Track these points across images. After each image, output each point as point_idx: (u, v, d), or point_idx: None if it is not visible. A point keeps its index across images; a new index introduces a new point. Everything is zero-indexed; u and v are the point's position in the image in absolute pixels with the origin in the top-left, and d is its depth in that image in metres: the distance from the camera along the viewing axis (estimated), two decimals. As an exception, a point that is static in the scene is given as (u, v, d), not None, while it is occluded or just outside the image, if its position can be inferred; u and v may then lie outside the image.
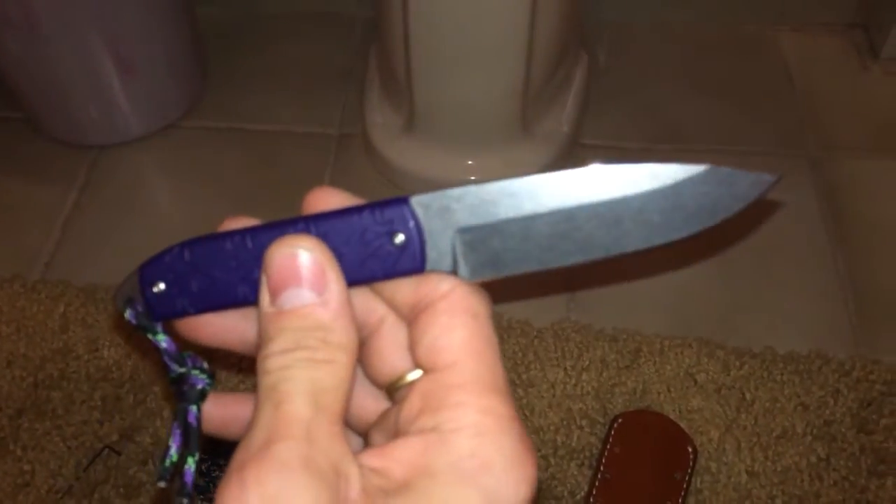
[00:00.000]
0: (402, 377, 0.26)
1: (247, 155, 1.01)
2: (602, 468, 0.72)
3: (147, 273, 0.26)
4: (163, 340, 0.28)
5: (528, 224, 0.25)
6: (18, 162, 1.01)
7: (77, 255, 0.91)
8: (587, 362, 0.79)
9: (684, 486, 0.71)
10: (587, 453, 0.74)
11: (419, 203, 0.25)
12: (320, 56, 1.13)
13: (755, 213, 0.94)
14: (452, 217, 0.25)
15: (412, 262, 0.25)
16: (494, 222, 0.25)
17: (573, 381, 0.78)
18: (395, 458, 0.22)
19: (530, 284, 0.87)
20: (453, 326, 0.24)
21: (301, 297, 0.23)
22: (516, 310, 0.84)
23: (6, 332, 0.82)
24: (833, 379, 0.77)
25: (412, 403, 0.24)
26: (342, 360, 0.23)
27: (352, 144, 1.02)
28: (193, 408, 0.28)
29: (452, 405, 0.23)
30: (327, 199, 0.27)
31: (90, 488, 0.72)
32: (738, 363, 0.78)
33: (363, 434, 0.28)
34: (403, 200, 0.25)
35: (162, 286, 0.26)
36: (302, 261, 0.23)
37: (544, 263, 0.26)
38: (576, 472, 0.73)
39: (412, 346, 0.25)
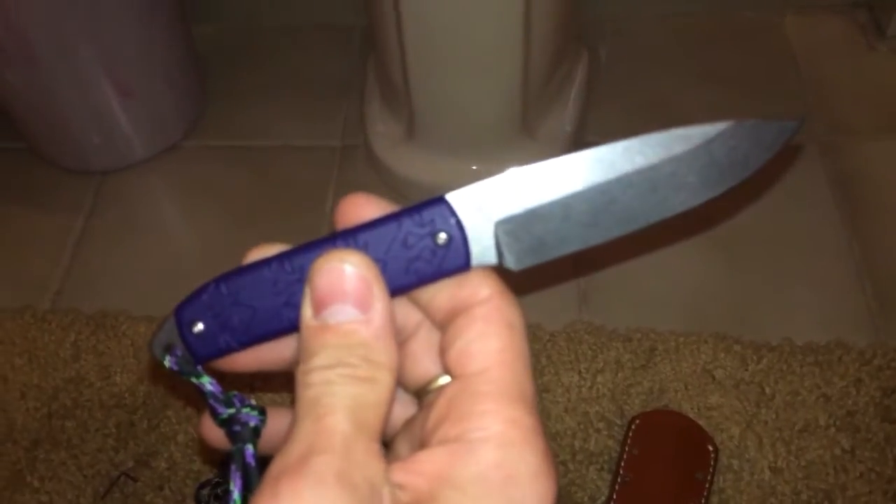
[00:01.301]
0: (432, 381, 0.26)
1: (250, 171, 1.01)
2: (622, 471, 0.70)
3: (184, 314, 0.26)
4: (208, 383, 0.27)
5: (567, 205, 0.25)
6: (23, 192, 1.02)
7: (86, 283, 0.92)
8: (601, 364, 0.78)
9: (706, 485, 0.69)
10: (606, 457, 0.73)
11: (456, 199, 0.25)
12: (319, 68, 1.12)
13: (767, 201, 0.92)
14: (491, 209, 0.25)
15: (457, 260, 0.25)
16: (533, 208, 0.25)
17: (588, 384, 0.77)
18: (420, 472, 0.22)
19: (540, 286, 0.86)
20: (488, 334, 0.24)
21: (346, 313, 0.23)
22: (527, 313, 0.82)
23: (19, 363, 0.82)
24: (854, 368, 0.76)
25: (439, 409, 0.24)
26: (383, 378, 0.23)
27: (355, 156, 1.01)
28: (249, 447, 0.28)
29: (479, 413, 0.23)
30: (361, 206, 0.26)
31: (108, 517, 0.72)
32: (755, 357, 0.77)
33: (387, 442, 0.28)
34: (441, 199, 0.25)
35: (201, 326, 0.26)
36: (348, 276, 0.23)
37: (587, 241, 0.26)
38: (595, 477, 0.72)
39: (443, 350, 0.25)
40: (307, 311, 0.23)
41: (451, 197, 0.25)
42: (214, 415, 0.27)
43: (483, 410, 0.23)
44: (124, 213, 0.98)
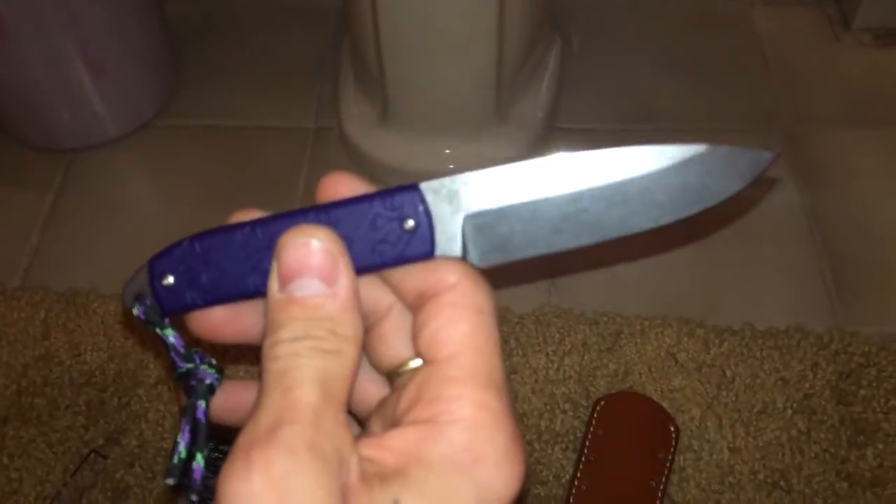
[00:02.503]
0: (403, 364, 0.26)
1: (223, 152, 1.01)
2: (586, 451, 0.72)
3: (157, 266, 0.27)
4: (171, 335, 0.28)
5: (536, 208, 0.26)
6: (-8, 169, 1.01)
7: (56, 261, 0.91)
8: (569, 346, 0.79)
9: (667, 464, 0.71)
10: (571, 437, 0.75)
11: (429, 188, 0.25)
12: (294, 49, 1.12)
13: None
14: (461, 202, 0.26)
15: (422, 247, 0.25)
16: (502, 207, 0.26)
17: (555, 366, 0.78)
18: (389, 448, 0.22)
19: (510, 271, 0.87)
20: (457, 319, 0.24)
21: (311, 286, 0.23)
22: (497, 297, 0.84)
23: (-13, 340, 0.82)
24: (812, 352, 0.78)
25: (410, 392, 0.24)
26: (349, 351, 0.23)
27: (328, 138, 1.02)
28: (202, 403, 0.28)
29: (449, 398, 0.23)
30: (341, 184, 0.27)
31: (78, 493, 0.73)
32: (717, 341, 0.79)
33: (363, 420, 0.28)
34: (413, 187, 0.25)
35: (171, 279, 0.27)
36: (315, 251, 0.24)
37: (552, 247, 0.26)
38: (560, 456, 0.74)
39: (415, 335, 0.25)
40: (273, 284, 0.24)
41: (424, 186, 0.25)
42: (174, 368, 0.28)
43: (453, 395, 0.23)
44: (95, 192, 0.98)
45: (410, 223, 0.25)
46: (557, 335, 0.80)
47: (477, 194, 0.26)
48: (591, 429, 0.73)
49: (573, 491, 0.70)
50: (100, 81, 0.96)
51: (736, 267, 0.88)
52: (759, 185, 0.94)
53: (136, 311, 0.27)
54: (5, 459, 0.75)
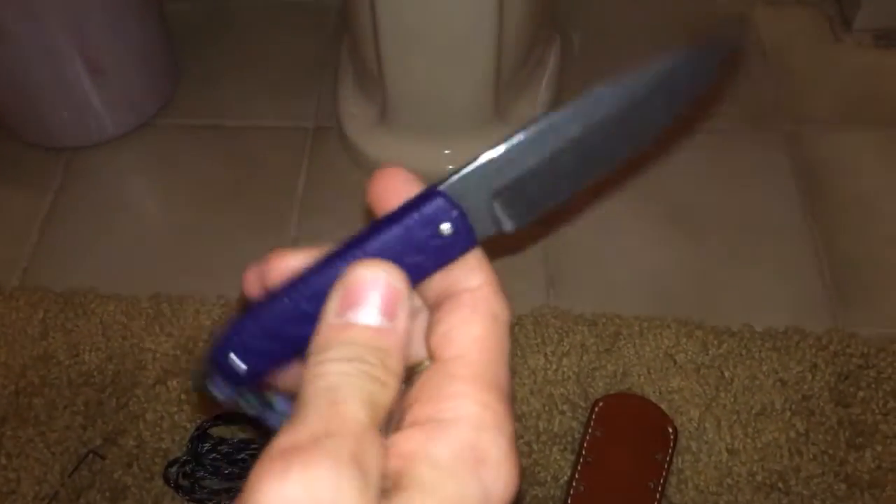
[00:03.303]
0: (420, 364, 0.26)
1: (222, 151, 1.01)
2: (584, 452, 0.72)
3: (218, 354, 0.27)
4: (255, 401, 0.28)
5: (552, 159, 0.26)
6: (-9, 168, 1.01)
7: (55, 260, 0.91)
8: (567, 347, 0.79)
9: (665, 466, 0.71)
10: (569, 438, 0.75)
11: (451, 188, 0.26)
12: (293, 48, 1.12)
13: (732, 188, 0.94)
14: (483, 185, 0.26)
15: (464, 244, 0.26)
16: (521, 174, 0.26)
17: (554, 367, 0.78)
18: (398, 454, 0.22)
19: (509, 272, 0.88)
20: (471, 321, 0.25)
21: (372, 317, 0.24)
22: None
23: (-14, 340, 0.82)
24: (810, 354, 0.78)
25: (412, 390, 0.24)
26: (393, 385, 0.23)
27: (327, 137, 1.02)
28: None
29: (452, 395, 0.23)
30: (393, 181, 0.27)
31: (76, 494, 0.73)
32: (716, 342, 0.79)
33: None
34: (437, 193, 0.25)
35: (234, 357, 0.27)
36: (383, 284, 0.24)
37: (577, 186, 0.27)
38: (558, 457, 0.74)
39: (428, 332, 0.25)
40: (332, 308, 0.24)
41: (447, 186, 0.26)
42: (269, 424, 0.28)
43: (456, 392, 0.23)
44: (94, 191, 0.98)
45: (447, 227, 0.25)
46: (556, 336, 0.80)
47: (495, 172, 0.26)
48: (590, 430, 0.73)
49: (571, 492, 0.70)
50: (99, 80, 0.96)
51: (735, 268, 0.87)
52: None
53: (215, 392, 0.27)
54: (3, 459, 0.75)
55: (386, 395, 0.23)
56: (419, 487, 0.21)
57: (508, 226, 0.27)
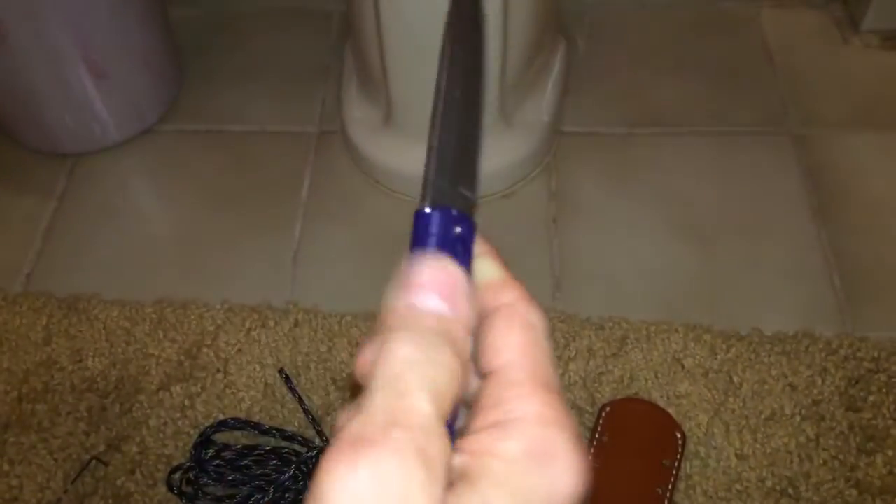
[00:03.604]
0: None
1: (226, 156, 1.00)
2: (591, 458, 0.71)
3: None
4: None
5: (469, 117, 0.28)
6: (-5, 174, 1.01)
7: (58, 266, 0.91)
8: (574, 352, 0.79)
9: (674, 472, 0.70)
10: (576, 444, 0.74)
11: (433, 194, 0.26)
12: (297, 53, 1.12)
13: (740, 191, 0.93)
14: (445, 177, 0.27)
15: (471, 233, 0.26)
16: (460, 146, 0.28)
17: (560, 371, 0.77)
18: (466, 451, 0.22)
19: (514, 276, 0.87)
20: (509, 331, 0.25)
21: (440, 307, 0.23)
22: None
23: (-11, 346, 0.82)
24: (820, 358, 0.77)
25: (474, 403, 0.24)
26: (457, 372, 0.23)
27: (332, 142, 1.01)
28: None
29: (513, 398, 0.23)
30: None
31: (79, 500, 0.72)
32: (724, 346, 0.78)
33: None
34: (427, 213, 0.26)
35: None
36: (450, 273, 0.24)
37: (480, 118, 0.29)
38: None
39: (474, 355, 0.25)
40: (393, 294, 0.24)
41: (429, 202, 0.26)
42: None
43: (517, 394, 0.23)
44: (97, 197, 0.97)
45: (457, 230, 0.26)
46: (562, 340, 0.79)
47: (445, 163, 0.27)
48: (597, 435, 0.72)
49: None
50: (102, 86, 0.96)
51: (743, 271, 0.87)
52: None
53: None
54: (6, 466, 0.74)
55: (451, 383, 0.23)
56: (490, 480, 0.21)
57: (474, 197, 0.28)
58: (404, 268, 0.24)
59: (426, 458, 0.21)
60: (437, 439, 0.21)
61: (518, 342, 0.25)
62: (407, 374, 0.22)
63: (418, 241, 0.25)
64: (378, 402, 0.22)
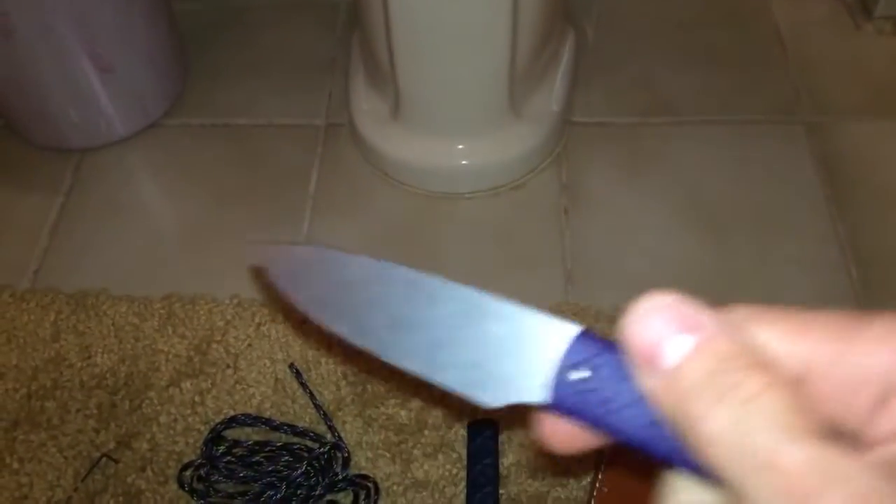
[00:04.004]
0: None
1: (233, 150, 1.00)
2: (606, 451, 0.70)
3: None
4: None
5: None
6: (1, 170, 1.00)
7: (65, 262, 0.90)
8: (587, 345, 0.78)
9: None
10: (591, 437, 0.73)
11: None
12: (303, 45, 1.11)
13: (753, 181, 0.92)
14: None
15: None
16: None
17: (574, 365, 0.76)
18: None
19: (526, 269, 0.86)
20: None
21: (681, 344, 0.20)
22: (511, 293, 0.82)
23: (-3, 343, 0.81)
24: (838, 349, 0.76)
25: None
26: (778, 384, 0.19)
27: (339, 134, 1.00)
28: None
29: None
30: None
31: (89, 498, 0.71)
32: (740, 338, 0.77)
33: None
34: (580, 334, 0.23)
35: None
36: (656, 309, 0.21)
37: None
38: (581, 458, 0.72)
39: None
40: (647, 381, 0.21)
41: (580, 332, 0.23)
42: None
43: None
44: (104, 192, 0.97)
45: (584, 373, 0.23)
46: (575, 333, 0.78)
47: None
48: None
49: (594, 493, 0.69)
50: (108, 80, 0.95)
51: (757, 262, 0.86)
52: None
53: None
54: (16, 464, 0.73)
55: (786, 393, 0.19)
56: None
57: None
58: (621, 343, 0.21)
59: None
60: (841, 467, 0.17)
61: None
62: (750, 434, 0.18)
63: None
64: (750, 491, 0.18)
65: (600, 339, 0.23)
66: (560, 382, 0.23)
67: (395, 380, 0.76)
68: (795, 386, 0.19)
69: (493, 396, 0.24)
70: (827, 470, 0.17)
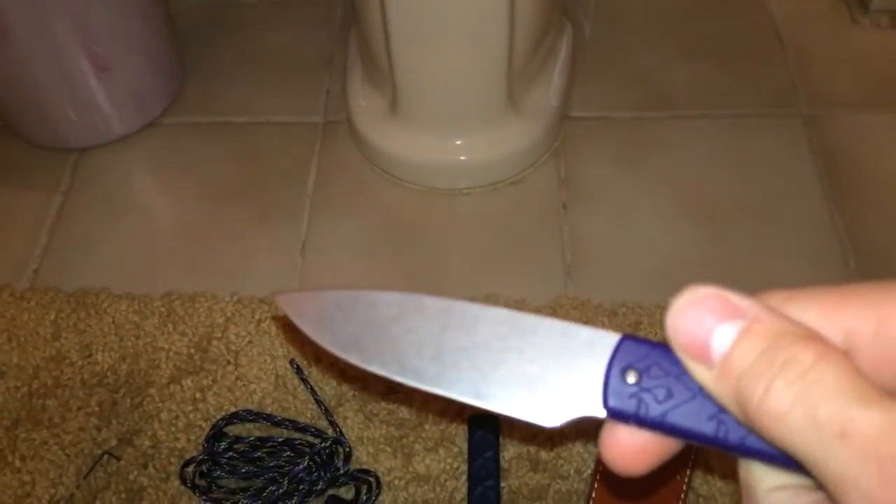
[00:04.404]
0: None
1: (231, 148, 1.00)
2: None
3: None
4: None
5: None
6: (-1, 169, 1.00)
7: (65, 261, 0.90)
8: (587, 338, 0.78)
9: (692, 457, 0.70)
10: (592, 430, 0.73)
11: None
12: (300, 42, 1.11)
13: (751, 174, 0.92)
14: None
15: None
16: None
17: (574, 358, 0.77)
18: None
19: (525, 262, 0.86)
20: None
21: (726, 334, 0.20)
22: (511, 289, 0.83)
23: (-3, 342, 0.81)
24: (837, 340, 0.76)
25: None
26: (828, 348, 0.19)
27: (337, 132, 1.00)
28: None
29: None
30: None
31: (91, 496, 0.72)
32: (739, 330, 0.77)
33: None
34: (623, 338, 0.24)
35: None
36: (698, 301, 0.21)
37: None
38: (581, 450, 0.72)
39: None
40: (700, 373, 0.21)
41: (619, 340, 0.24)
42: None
43: None
44: (103, 190, 0.97)
45: (633, 376, 0.23)
46: (575, 327, 0.78)
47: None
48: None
49: (595, 485, 0.69)
50: (105, 79, 0.95)
51: (757, 254, 0.86)
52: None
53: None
54: (17, 462, 0.74)
55: (840, 365, 0.18)
56: None
57: None
58: (668, 341, 0.21)
59: None
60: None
61: None
62: (812, 407, 0.18)
63: None
64: (832, 466, 0.18)
65: (644, 340, 0.23)
66: (615, 389, 0.23)
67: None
68: (847, 355, 0.19)
69: (551, 417, 0.24)
70: None
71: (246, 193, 0.95)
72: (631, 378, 0.23)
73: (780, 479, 0.22)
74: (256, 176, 0.96)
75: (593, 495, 0.69)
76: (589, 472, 0.71)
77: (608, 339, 0.24)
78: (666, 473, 0.69)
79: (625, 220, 0.89)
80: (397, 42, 0.84)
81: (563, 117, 0.98)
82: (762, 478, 0.22)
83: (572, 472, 0.71)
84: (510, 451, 0.72)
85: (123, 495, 0.71)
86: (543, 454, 0.72)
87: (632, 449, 0.24)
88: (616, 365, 0.23)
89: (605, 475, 0.69)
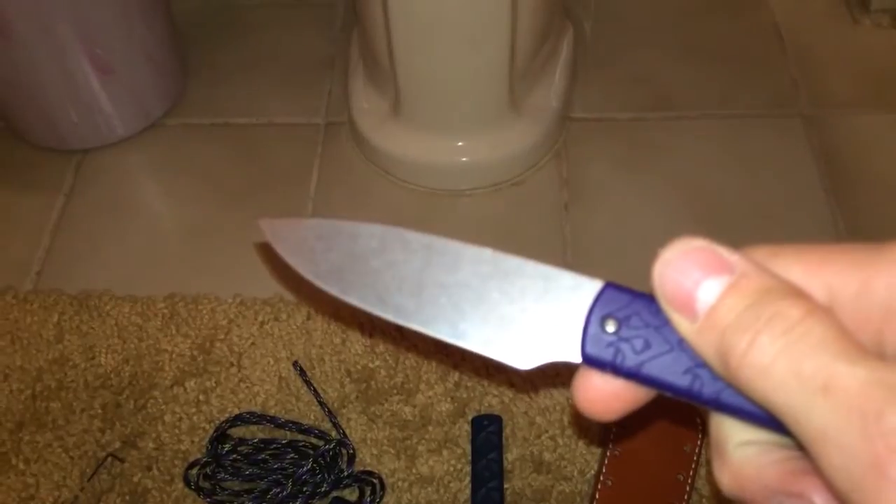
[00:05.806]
0: None
1: (233, 149, 1.00)
2: (611, 445, 0.71)
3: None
4: None
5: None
6: (2, 171, 1.00)
7: (68, 263, 0.90)
8: (590, 339, 0.78)
9: (695, 458, 0.70)
10: (595, 431, 0.73)
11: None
12: (302, 44, 1.11)
13: (753, 174, 0.92)
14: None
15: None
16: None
17: (577, 359, 0.77)
18: None
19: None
20: None
21: (712, 288, 0.20)
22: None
23: (0, 345, 0.81)
24: (839, 340, 0.76)
25: None
26: (814, 305, 0.19)
27: (339, 133, 1.00)
28: None
29: None
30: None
31: (95, 498, 0.72)
32: (742, 330, 0.77)
33: None
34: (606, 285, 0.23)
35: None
36: (686, 255, 0.21)
37: None
38: (584, 451, 0.72)
39: None
40: (683, 325, 0.21)
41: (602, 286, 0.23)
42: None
43: None
44: (105, 192, 0.97)
45: (612, 325, 0.23)
46: (578, 328, 0.78)
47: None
48: (616, 422, 0.72)
49: (599, 486, 0.69)
50: (107, 81, 0.95)
51: (758, 255, 0.86)
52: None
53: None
54: (21, 465, 0.74)
55: (826, 320, 0.18)
56: None
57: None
58: (653, 292, 0.21)
59: None
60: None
61: None
62: (785, 368, 0.18)
63: None
64: (811, 426, 0.18)
65: (627, 289, 0.23)
66: (593, 337, 0.23)
67: (400, 376, 0.76)
68: (832, 312, 0.19)
69: (525, 359, 0.24)
70: (892, 385, 0.17)
71: (248, 195, 0.95)
72: (610, 327, 0.23)
73: (750, 434, 0.22)
74: (258, 177, 0.97)
75: (596, 496, 0.69)
76: (592, 473, 0.71)
77: (591, 286, 0.24)
78: (669, 474, 0.69)
79: (627, 220, 0.90)
80: (399, 43, 0.84)
81: (564, 118, 0.98)
82: (733, 432, 0.22)
83: (575, 473, 0.71)
84: (513, 453, 0.72)
85: (127, 498, 0.72)
86: (547, 455, 0.72)
87: (604, 395, 0.23)
88: (596, 312, 0.23)
89: (607, 476, 0.69)
